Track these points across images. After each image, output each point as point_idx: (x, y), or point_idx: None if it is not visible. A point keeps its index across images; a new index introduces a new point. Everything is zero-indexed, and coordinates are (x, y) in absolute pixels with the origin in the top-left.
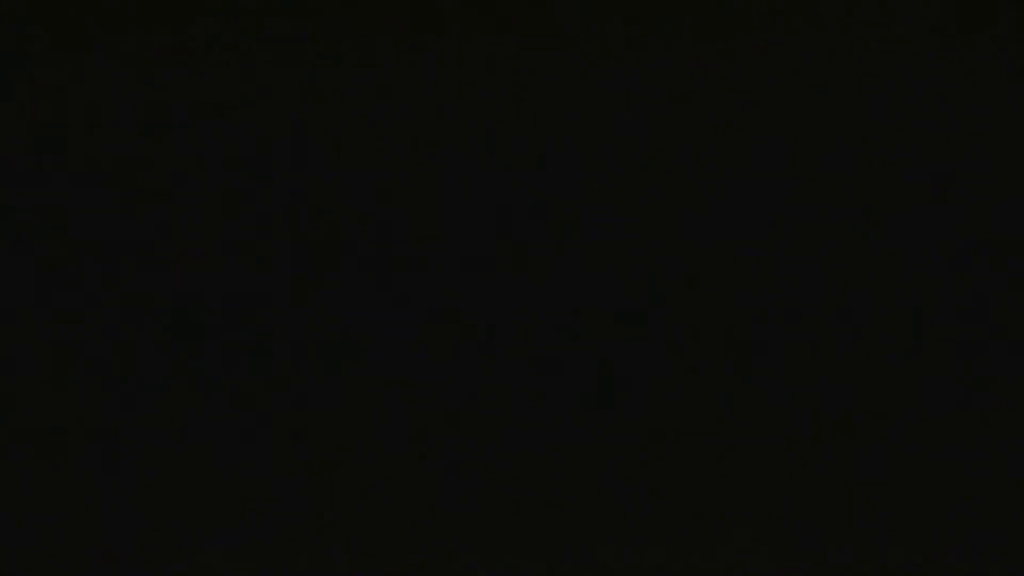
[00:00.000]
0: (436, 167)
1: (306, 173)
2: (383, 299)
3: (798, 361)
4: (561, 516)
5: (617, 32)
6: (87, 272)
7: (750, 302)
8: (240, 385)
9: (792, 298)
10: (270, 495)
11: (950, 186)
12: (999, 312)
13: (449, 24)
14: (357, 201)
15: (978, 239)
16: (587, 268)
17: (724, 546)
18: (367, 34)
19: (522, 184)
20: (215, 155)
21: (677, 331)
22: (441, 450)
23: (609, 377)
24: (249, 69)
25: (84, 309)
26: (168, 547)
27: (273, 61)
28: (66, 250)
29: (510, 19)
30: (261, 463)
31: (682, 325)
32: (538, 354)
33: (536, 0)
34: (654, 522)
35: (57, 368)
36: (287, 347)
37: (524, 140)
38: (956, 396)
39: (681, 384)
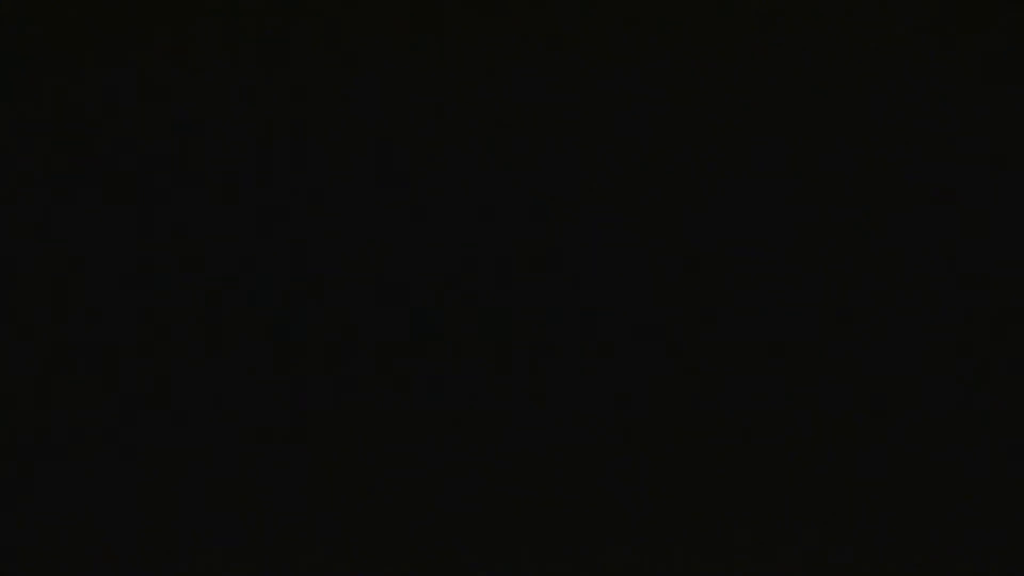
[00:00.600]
0: (436, 167)
1: (306, 173)
2: (382, 299)
3: (798, 361)
4: (561, 516)
5: (617, 32)
6: (86, 271)
7: (750, 302)
8: (240, 385)
9: (792, 298)
10: (270, 495)
11: (950, 186)
12: (999, 312)
13: (449, 24)
14: (357, 201)
15: (978, 239)
16: (587, 268)
17: (724, 546)
18: (367, 34)
19: (522, 184)
20: (215, 155)
21: (677, 331)
22: (441, 450)
23: (610, 377)
24: (249, 69)
25: (83, 308)
26: (168, 547)
27: (273, 61)
28: (67, 249)
29: (510, 19)
30: (261, 463)
31: (682, 325)
32: (538, 354)
33: (536, 0)
34: (654, 522)
35: (57, 368)
36: (287, 347)
37: (524, 140)
38: (956, 396)
39: (681, 384)
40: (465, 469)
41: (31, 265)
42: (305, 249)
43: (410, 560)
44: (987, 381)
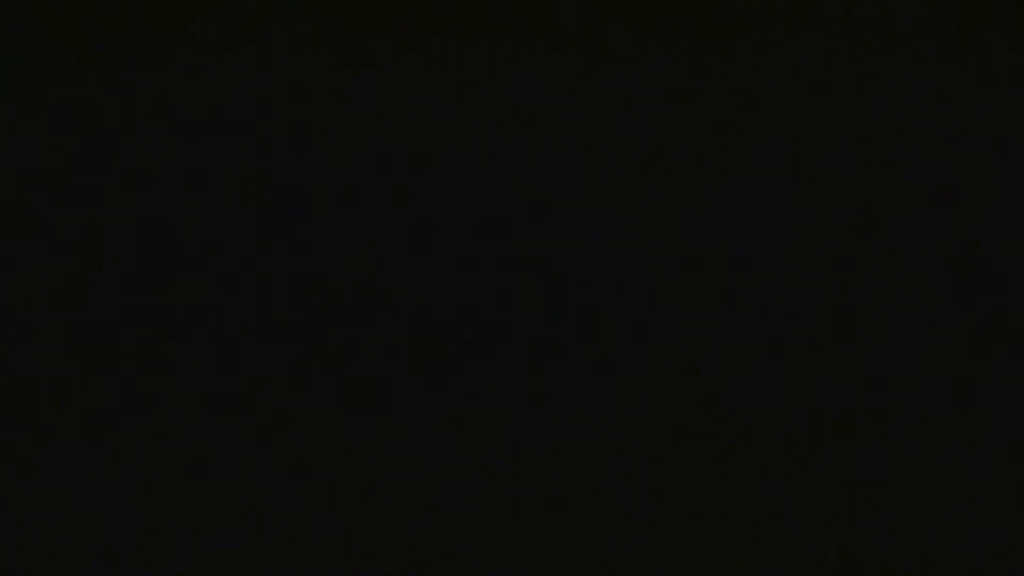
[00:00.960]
0: (436, 167)
1: (306, 173)
2: (382, 299)
3: (798, 361)
4: (561, 516)
5: (617, 32)
6: (87, 271)
7: (750, 302)
8: (240, 385)
9: (792, 298)
10: (270, 495)
11: (950, 186)
12: (999, 312)
13: (449, 24)
14: (357, 201)
15: (978, 239)
16: (586, 268)
17: (724, 546)
18: (367, 34)
19: (522, 184)
20: (215, 155)
21: (677, 331)
22: (441, 450)
23: (610, 377)
24: (249, 69)
25: (83, 308)
26: (168, 547)
27: (273, 61)
28: (67, 249)
29: (510, 19)
30: (261, 463)
31: (682, 325)
32: (538, 354)
33: (536, 0)
34: (654, 522)
35: (57, 367)
36: (287, 346)
37: (524, 140)
38: (956, 396)
39: (681, 384)
40: (465, 469)
41: (31, 265)
42: (305, 249)
43: (410, 560)
44: (987, 381)
